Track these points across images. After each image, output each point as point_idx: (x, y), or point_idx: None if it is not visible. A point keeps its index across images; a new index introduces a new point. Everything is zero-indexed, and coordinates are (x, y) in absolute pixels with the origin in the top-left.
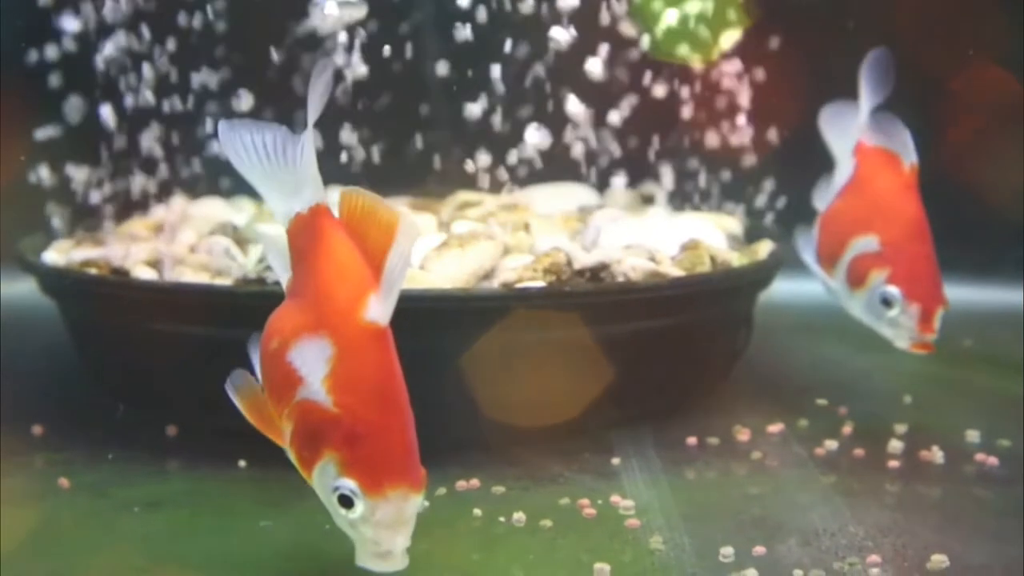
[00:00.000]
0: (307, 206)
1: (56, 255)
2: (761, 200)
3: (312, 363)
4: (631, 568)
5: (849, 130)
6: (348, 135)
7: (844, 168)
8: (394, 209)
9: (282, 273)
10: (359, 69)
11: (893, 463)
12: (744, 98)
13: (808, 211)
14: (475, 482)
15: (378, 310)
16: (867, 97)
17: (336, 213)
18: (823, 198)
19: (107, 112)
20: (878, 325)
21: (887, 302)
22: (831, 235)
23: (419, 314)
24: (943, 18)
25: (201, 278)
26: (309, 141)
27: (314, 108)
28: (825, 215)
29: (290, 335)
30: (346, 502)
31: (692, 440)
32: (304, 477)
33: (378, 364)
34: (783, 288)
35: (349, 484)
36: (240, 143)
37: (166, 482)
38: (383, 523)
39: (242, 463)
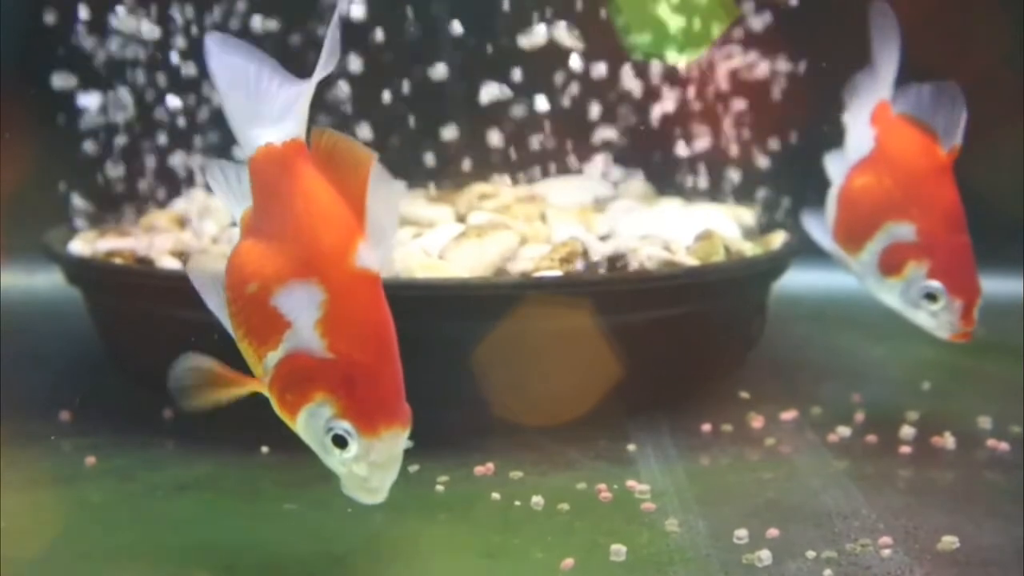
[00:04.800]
0: (283, 139)
1: (81, 246)
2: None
3: (302, 308)
4: (647, 550)
5: (866, 93)
6: (365, 130)
7: (860, 136)
8: (364, 150)
9: (233, 204)
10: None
11: (905, 449)
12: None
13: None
14: (491, 467)
15: (370, 257)
16: (877, 54)
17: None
18: (838, 168)
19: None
20: (913, 314)
21: (931, 297)
22: (855, 214)
23: (438, 302)
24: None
25: None
26: (315, 79)
27: (328, 52)
28: (845, 190)
29: (273, 280)
30: (340, 442)
31: (706, 427)
32: (284, 418)
33: (370, 309)
34: (797, 278)
35: (344, 425)
36: (229, 59)
37: (190, 467)
38: (376, 462)
39: (265, 449)
